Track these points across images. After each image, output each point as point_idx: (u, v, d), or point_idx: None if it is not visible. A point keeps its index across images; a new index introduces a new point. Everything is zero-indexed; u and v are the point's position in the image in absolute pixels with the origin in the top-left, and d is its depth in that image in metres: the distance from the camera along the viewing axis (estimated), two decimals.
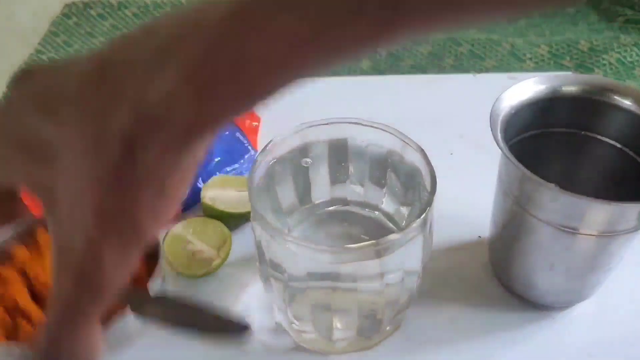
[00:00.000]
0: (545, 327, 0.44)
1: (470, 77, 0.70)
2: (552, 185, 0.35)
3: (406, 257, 0.37)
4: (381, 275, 0.36)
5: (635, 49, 0.86)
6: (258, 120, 0.61)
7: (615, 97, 0.40)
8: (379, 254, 0.35)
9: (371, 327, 0.41)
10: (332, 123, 0.42)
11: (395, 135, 0.41)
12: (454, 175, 0.56)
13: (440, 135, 0.61)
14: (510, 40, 0.86)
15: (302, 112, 0.63)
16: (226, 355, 0.43)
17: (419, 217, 0.35)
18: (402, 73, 0.79)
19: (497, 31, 0.90)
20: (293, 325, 0.42)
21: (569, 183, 0.44)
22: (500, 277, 0.46)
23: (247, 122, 0.60)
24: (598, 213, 0.36)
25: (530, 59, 0.84)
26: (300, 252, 0.35)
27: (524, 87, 0.41)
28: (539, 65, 0.83)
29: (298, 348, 0.43)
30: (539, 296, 0.44)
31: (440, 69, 0.81)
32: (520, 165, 0.36)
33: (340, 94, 0.68)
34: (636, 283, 0.46)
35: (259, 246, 0.38)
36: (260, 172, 0.40)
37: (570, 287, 0.42)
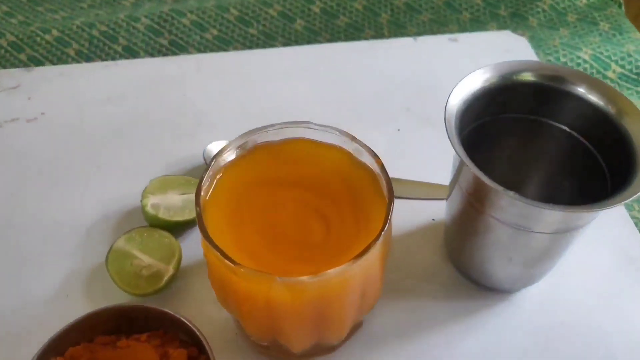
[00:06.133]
0: (502, 311, 0.45)
1: (411, 40, 0.67)
2: (512, 193, 0.34)
3: (367, 275, 0.36)
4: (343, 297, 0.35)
5: None
6: None
7: (566, 84, 0.40)
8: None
9: (331, 336, 0.40)
10: (285, 127, 0.39)
11: (349, 138, 0.39)
12: (403, 154, 0.55)
13: (386, 110, 0.59)
14: None
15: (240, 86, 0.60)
16: None
17: (377, 239, 0.34)
18: (338, 32, 0.76)
19: None
20: (251, 338, 0.41)
21: (522, 167, 0.44)
22: (456, 263, 0.46)
23: None
24: (555, 216, 0.36)
25: (466, 9, 0.82)
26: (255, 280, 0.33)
27: (476, 77, 0.40)
28: (475, 16, 0.82)
29: (260, 358, 0.43)
30: (496, 283, 0.44)
31: (377, 26, 0.78)
32: (483, 175, 0.35)
33: (277, 65, 0.64)
34: (585, 263, 0.48)
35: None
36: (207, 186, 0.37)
37: (526, 275, 0.43)
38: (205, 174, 0.37)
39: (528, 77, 0.40)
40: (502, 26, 0.82)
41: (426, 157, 0.54)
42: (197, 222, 0.35)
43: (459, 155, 0.36)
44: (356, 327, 0.42)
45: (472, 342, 0.43)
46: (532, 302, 0.45)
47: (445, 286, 0.46)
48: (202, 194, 0.36)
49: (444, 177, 0.50)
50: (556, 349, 0.43)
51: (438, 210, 0.50)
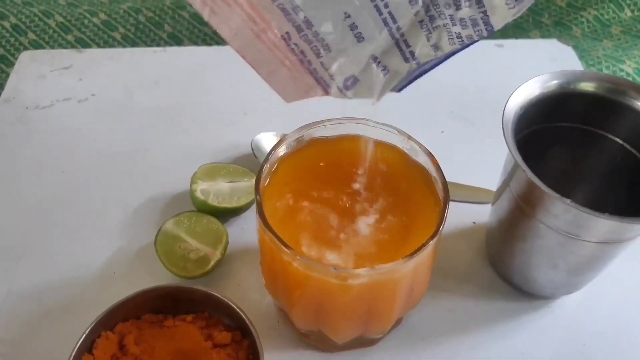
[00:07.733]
0: (541, 317, 0.45)
1: None
2: (569, 200, 0.34)
3: (418, 271, 0.36)
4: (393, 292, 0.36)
5: (611, 5, 0.85)
6: None
7: (625, 97, 0.40)
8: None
9: (375, 329, 0.41)
10: (342, 123, 0.40)
11: (405, 137, 0.39)
12: (446, 156, 0.55)
13: (431, 112, 0.60)
14: None
15: None
16: None
17: (433, 237, 0.34)
18: None
19: None
20: (296, 326, 0.42)
21: (569, 175, 0.45)
22: (497, 267, 0.47)
23: None
24: (609, 226, 0.36)
25: None
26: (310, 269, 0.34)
27: (534, 83, 0.40)
28: (518, 23, 0.82)
29: (301, 345, 0.43)
30: (537, 288, 0.45)
31: None
32: (538, 180, 0.35)
33: None
34: (627, 274, 0.48)
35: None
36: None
37: (569, 282, 0.43)
38: (265, 164, 0.37)
39: (586, 87, 0.40)
40: (545, 34, 0.82)
41: (469, 160, 0.54)
42: (256, 209, 0.35)
43: (515, 160, 0.36)
44: (397, 322, 0.43)
45: (508, 345, 0.44)
46: (572, 309, 0.46)
47: (484, 289, 0.47)
48: (261, 183, 0.37)
49: (486, 180, 0.50)
50: (593, 358, 0.43)
51: (479, 214, 0.51)
